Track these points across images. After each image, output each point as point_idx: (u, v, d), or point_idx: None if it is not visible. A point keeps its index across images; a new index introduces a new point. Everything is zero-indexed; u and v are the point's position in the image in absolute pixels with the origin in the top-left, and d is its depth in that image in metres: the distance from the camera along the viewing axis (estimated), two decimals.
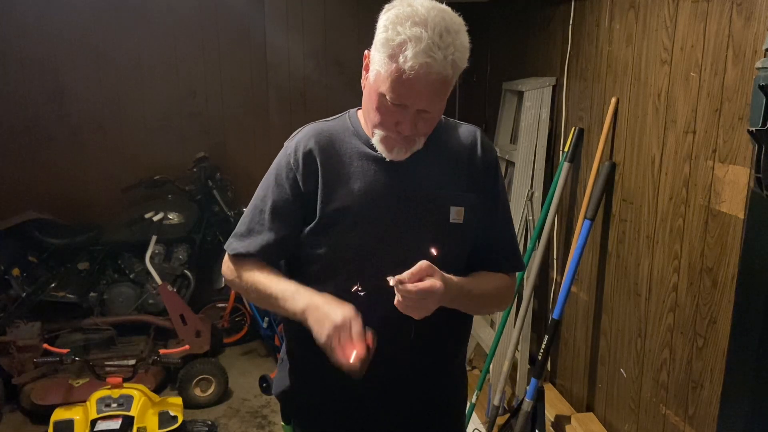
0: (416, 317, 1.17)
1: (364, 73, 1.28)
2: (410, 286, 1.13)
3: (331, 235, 1.30)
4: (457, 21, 1.19)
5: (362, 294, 1.23)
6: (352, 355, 1.15)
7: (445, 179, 1.34)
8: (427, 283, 1.15)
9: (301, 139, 1.36)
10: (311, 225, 1.32)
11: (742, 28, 1.85)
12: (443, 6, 1.20)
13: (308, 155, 1.33)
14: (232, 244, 1.39)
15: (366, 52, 1.26)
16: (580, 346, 2.93)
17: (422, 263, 1.16)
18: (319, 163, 1.32)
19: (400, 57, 1.14)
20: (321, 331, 1.18)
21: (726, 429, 1.91)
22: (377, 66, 1.20)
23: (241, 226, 1.39)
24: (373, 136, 1.29)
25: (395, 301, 1.15)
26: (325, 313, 1.19)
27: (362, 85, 1.30)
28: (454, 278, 1.23)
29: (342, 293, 1.24)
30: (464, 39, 1.19)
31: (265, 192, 1.37)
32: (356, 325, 1.16)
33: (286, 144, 1.40)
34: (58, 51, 3.84)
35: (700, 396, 2.10)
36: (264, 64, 4.23)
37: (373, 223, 1.30)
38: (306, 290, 1.26)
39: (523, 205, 3.11)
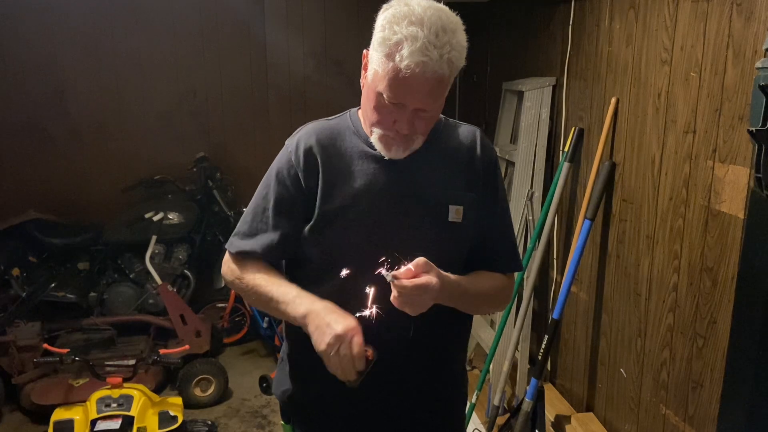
0: (411, 313, 1.17)
1: (363, 72, 1.28)
2: (405, 282, 1.14)
3: (330, 233, 1.30)
4: (454, 20, 1.19)
5: (368, 315, 1.18)
6: (351, 370, 1.13)
7: (445, 178, 1.34)
8: (423, 279, 1.15)
9: (302, 136, 1.36)
10: (310, 223, 1.32)
11: (742, 28, 1.85)
12: (440, 5, 1.20)
13: (309, 153, 1.33)
14: (235, 243, 1.38)
15: (365, 51, 1.27)
16: (580, 346, 2.93)
17: (419, 260, 1.16)
18: (319, 161, 1.32)
19: (397, 56, 1.14)
20: (321, 339, 1.16)
21: (726, 429, 1.91)
22: (375, 65, 1.21)
23: (243, 225, 1.38)
24: (371, 135, 1.30)
25: (391, 297, 1.15)
26: (327, 321, 1.17)
27: (361, 84, 1.30)
28: (451, 276, 1.23)
29: (340, 291, 1.23)
30: (461, 38, 1.19)
31: (266, 190, 1.37)
32: (357, 338, 1.14)
33: (287, 142, 1.40)
34: (58, 51, 3.84)
35: (700, 396, 2.10)
36: (264, 64, 4.23)
37: (373, 222, 1.30)
38: (308, 295, 1.25)
39: (523, 205, 3.11)
